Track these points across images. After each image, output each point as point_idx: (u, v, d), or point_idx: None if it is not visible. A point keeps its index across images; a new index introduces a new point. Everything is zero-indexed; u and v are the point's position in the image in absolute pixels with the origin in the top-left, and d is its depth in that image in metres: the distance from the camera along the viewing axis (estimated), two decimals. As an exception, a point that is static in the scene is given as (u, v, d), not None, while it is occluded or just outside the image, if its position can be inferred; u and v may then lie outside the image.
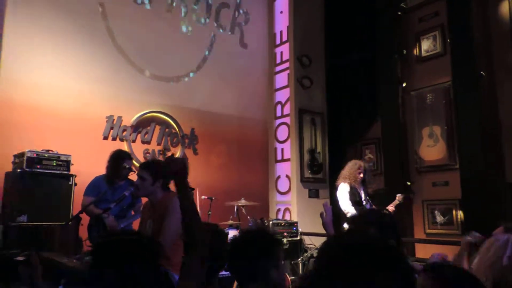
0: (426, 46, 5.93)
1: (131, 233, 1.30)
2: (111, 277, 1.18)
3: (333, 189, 6.92)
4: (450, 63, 5.46)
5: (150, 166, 2.80)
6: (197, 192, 5.10)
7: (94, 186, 3.77)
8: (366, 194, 4.66)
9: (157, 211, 2.69)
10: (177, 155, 5.89)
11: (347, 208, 4.41)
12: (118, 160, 3.78)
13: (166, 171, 1.63)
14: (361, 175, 4.59)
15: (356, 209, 4.39)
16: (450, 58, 5.49)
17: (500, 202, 4.80)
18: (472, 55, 5.18)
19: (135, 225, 3.53)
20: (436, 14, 5.84)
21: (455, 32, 5.38)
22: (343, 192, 4.52)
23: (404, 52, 6.16)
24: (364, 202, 4.58)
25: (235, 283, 4.32)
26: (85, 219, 3.73)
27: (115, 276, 1.18)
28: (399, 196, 4.83)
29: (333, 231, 2.29)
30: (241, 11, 7.08)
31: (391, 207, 4.68)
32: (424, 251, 5.34)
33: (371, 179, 4.84)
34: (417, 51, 6.03)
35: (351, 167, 4.64)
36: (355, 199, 4.49)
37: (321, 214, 2.32)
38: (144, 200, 3.07)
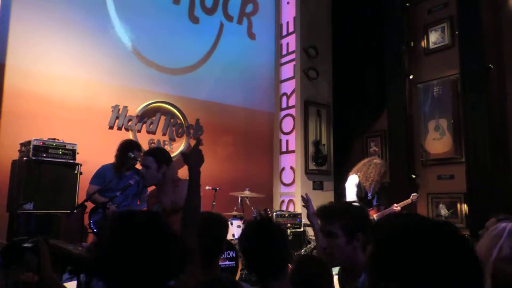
0: (434, 38, 5.85)
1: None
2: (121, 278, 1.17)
3: (337, 181, 6.94)
4: (458, 56, 5.39)
5: (153, 153, 2.80)
6: (202, 183, 5.11)
7: (100, 175, 3.83)
8: (375, 191, 4.48)
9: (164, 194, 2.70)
10: (182, 145, 5.92)
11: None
12: (125, 149, 3.82)
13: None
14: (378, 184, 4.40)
15: (359, 203, 4.32)
16: (458, 50, 5.43)
17: (505, 195, 4.77)
18: (481, 47, 5.11)
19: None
20: (445, 5, 5.76)
21: (464, 24, 5.29)
22: (351, 184, 4.41)
23: (412, 44, 6.08)
24: (370, 198, 4.48)
25: (238, 274, 4.35)
26: (89, 207, 3.76)
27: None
28: (413, 196, 4.72)
29: (317, 222, 2.30)
30: (249, 1, 7.03)
31: (397, 207, 4.58)
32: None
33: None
34: (425, 43, 5.95)
35: (374, 169, 4.37)
36: (360, 194, 4.40)
37: (307, 207, 2.35)
38: (150, 189, 3.08)
